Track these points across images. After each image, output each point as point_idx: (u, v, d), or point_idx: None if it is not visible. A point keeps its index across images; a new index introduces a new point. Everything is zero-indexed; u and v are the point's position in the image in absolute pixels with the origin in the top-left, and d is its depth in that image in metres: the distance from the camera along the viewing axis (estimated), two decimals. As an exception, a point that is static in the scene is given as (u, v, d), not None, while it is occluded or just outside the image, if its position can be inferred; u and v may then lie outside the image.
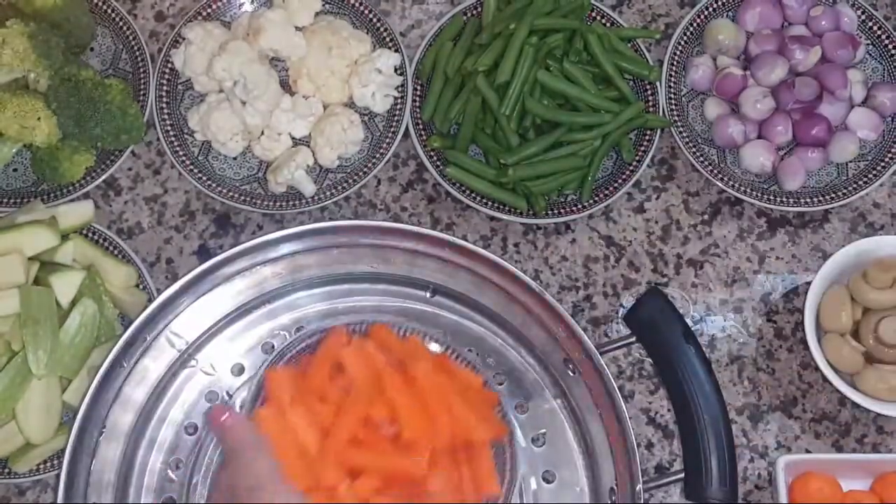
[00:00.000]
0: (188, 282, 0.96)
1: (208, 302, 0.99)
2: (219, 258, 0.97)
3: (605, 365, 0.92)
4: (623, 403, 0.91)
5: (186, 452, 1.00)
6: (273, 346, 1.05)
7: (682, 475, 0.93)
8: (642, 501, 0.89)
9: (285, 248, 0.98)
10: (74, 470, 0.91)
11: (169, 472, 0.99)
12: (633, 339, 0.97)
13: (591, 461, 0.97)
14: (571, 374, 0.96)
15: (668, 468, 1.07)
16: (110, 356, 0.92)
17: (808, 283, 1.06)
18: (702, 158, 1.14)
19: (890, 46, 1.18)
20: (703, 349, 0.94)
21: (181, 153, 1.13)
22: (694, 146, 1.14)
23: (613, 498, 0.93)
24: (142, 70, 1.16)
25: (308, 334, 0.95)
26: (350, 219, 1.14)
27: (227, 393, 1.02)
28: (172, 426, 1.01)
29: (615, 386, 0.92)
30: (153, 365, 0.98)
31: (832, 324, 1.05)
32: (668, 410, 1.08)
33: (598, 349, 0.94)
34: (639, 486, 0.89)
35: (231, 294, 1.01)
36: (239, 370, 1.04)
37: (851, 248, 1.06)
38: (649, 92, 1.15)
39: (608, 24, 1.18)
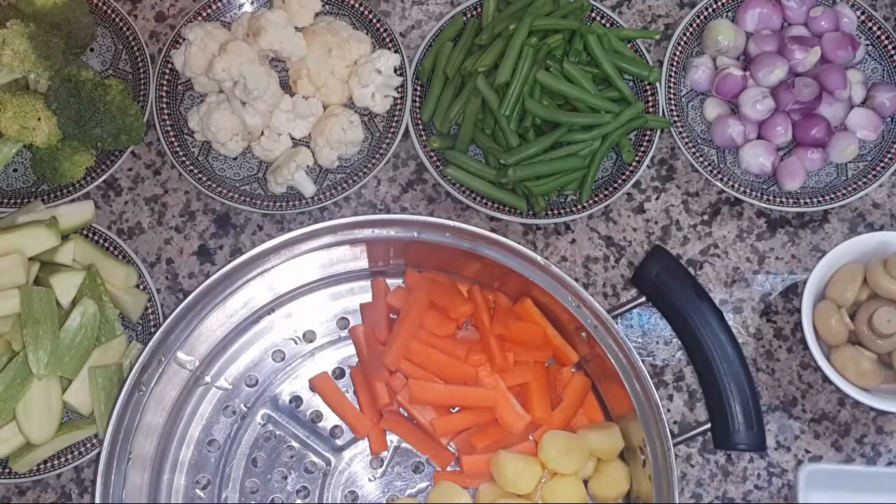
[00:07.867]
0: (192, 301, 0.97)
1: (212, 320, 1.00)
2: (222, 271, 0.97)
3: (618, 328, 0.94)
4: (641, 363, 0.92)
5: (212, 469, 1.01)
6: (283, 354, 1.06)
7: (709, 426, 0.93)
8: (673, 457, 0.90)
9: (303, 248, 0.99)
10: (107, 501, 0.92)
11: (197, 490, 1.01)
12: (643, 299, 0.97)
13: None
14: (585, 341, 0.97)
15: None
16: (126, 386, 0.94)
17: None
18: (701, 159, 1.14)
19: (889, 47, 1.18)
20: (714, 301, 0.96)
21: (181, 153, 1.13)
22: (693, 146, 1.14)
23: (642, 457, 0.94)
24: (142, 70, 1.16)
25: None
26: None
27: (245, 405, 1.03)
28: (193, 445, 1.02)
29: (631, 346, 0.92)
30: (167, 389, 1.00)
31: (835, 294, 1.05)
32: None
33: (610, 313, 0.94)
34: (669, 442, 0.90)
35: (233, 309, 1.02)
36: (252, 381, 1.05)
37: (848, 245, 1.06)
38: (649, 92, 1.16)
39: (608, 25, 1.18)
